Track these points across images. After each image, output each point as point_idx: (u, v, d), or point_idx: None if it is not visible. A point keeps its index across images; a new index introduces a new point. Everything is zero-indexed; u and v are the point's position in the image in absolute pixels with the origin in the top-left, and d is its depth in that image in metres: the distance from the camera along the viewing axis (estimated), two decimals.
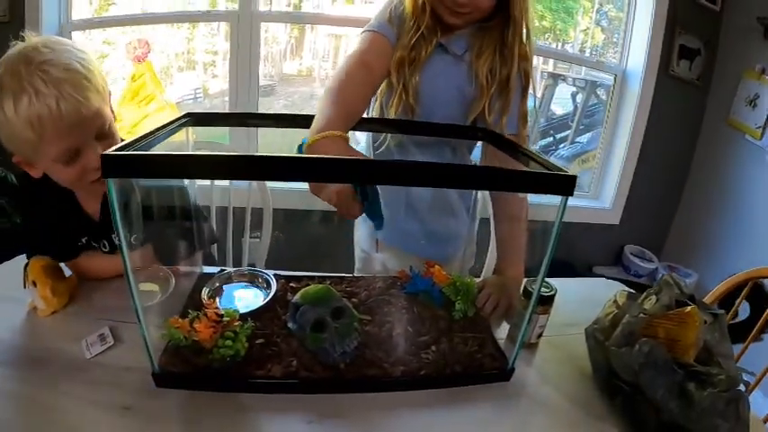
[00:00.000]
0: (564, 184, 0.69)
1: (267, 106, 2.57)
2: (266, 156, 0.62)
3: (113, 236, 0.99)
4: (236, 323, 0.82)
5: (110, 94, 0.95)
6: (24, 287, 0.92)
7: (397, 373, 0.82)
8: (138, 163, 0.63)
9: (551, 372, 0.90)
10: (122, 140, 0.75)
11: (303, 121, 0.94)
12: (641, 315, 0.77)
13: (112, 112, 0.95)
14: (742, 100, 2.37)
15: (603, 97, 2.83)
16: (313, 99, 3.02)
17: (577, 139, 3.17)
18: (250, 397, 0.77)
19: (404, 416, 0.78)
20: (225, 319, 0.81)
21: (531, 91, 1.08)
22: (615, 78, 2.58)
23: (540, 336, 0.95)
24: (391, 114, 1.06)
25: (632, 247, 2.72)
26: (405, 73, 1.02)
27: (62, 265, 1.01)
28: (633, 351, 0.72)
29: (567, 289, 0.95)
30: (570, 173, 0.69)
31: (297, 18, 2.55)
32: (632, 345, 0.73)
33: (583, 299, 1.00)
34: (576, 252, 2.58)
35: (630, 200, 2.64)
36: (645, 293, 0.83)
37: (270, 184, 1.60)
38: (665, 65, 2.44)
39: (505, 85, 1.03)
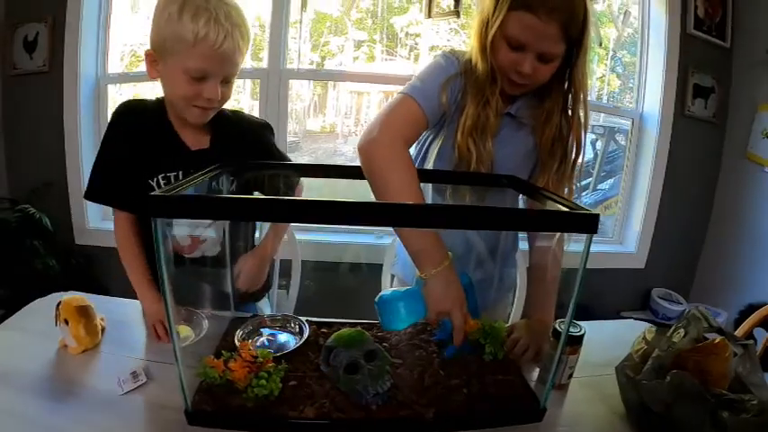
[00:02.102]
0: (587, 223, 0.71)
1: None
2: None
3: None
4: (270, 364, 0.84)
5: None
6: (56, 325, 0.95)
7: (429, 414, 0.82)
8: (188, 204, 0.67)
9: (583, 411, 0.90)
10: None
11: (323, 170, 0.98)
12: (670, 349, 0.77)
13: None
14: (759, 133, 2.37)
15: (623, 143, 2.83)
16: (336, 155, 3.07)
17: (599, 186, 3.17)
18: None
19: None
20: (259, 359, 0.84)
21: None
22: (632, 123, 2.61)
23: (570, 376, 0.94)
24: None
25: (659, 290, 2.67)
26: (477, 140, 1.04)
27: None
28: (664, 383, 0.72)
29: (595, 331, 0.95)
30: (593, 212, 0.72)
31: (323, 75, 2.65)
32: (663, 378, 0.73)
33: (611, 340, 1.00)
34: (603, 298, 2.53)
35: (655, 242, 2.61)
36: (673, 327, 0.83)
37: (299, 236, 1.65)
38: (680, 105, 2.46)
39: (566, 149, 1.08)
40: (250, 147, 1.17)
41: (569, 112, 1.06)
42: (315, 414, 0.80)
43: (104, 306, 1.07)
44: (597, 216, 0.70)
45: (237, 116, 1.19)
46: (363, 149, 0.94)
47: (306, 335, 1.02)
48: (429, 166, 1.12)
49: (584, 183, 3.22)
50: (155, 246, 0.66)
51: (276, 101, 2.33)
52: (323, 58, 2.69)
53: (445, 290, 0.88)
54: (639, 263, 2.64)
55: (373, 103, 2.95)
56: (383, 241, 2.27)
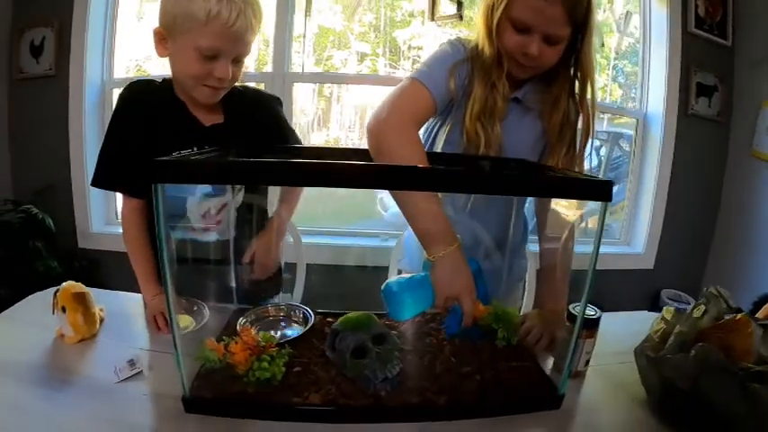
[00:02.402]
0: (601, 190, 0.70)
1: None
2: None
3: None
4: (273, 348, 0.81)
5: None
6: (53, 313, 0.93)
7: (441, 401, 0.79)
8: (191, 168, 0.65)
9: (601, 399, 0.87)
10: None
11: (331, 154, 0.95)
12: (692, 325, 0.75)
13: None
14: (763, 130, 2.35)
15: (627, 148, 2.82)
16: None
17: None
18: (284, 426, 0.74)
19: None
20: (262, 343, 0.80)
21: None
22: (637, 123, 2.59)
23: (587, 363, 0.91)
24: None
25: (669, 291, 2.62)
26: (485, 124, 1.03)
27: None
28: (689, 357, 0.69)
29: (608, 322, 0.93)
30: (606, 179, 0.70)
31: (328, 78, 2.67)
32: (687, 352, 0.70)
33: (626, 329, 0.97)
34: (612, 299, 2.47)
35: (663, 243, 2.58)
36: (693, 305, 0.81)
37: (305, 239, 1.64)
38: (684, 105, 2.45)
39: (574, 135, 1.07)
40: (262, 119, 1.17)
41: (577, 96, 1.06)
42: (319, 401, 0.77)
43: (104, 298, 1.05)
44: (611, 183, 0.69)
45: (248, 89, 1.19)
46: (372, 130, 0.93)
47: (311, 322, 0.99)
48: None
49: None
50: (155, 215, 0.64)
51: None
52: (326, 72, 2.70)
53: (453, 274, 0.85)
54: (648, 263, 2.61)
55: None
56: (388, 244, 2.25)
